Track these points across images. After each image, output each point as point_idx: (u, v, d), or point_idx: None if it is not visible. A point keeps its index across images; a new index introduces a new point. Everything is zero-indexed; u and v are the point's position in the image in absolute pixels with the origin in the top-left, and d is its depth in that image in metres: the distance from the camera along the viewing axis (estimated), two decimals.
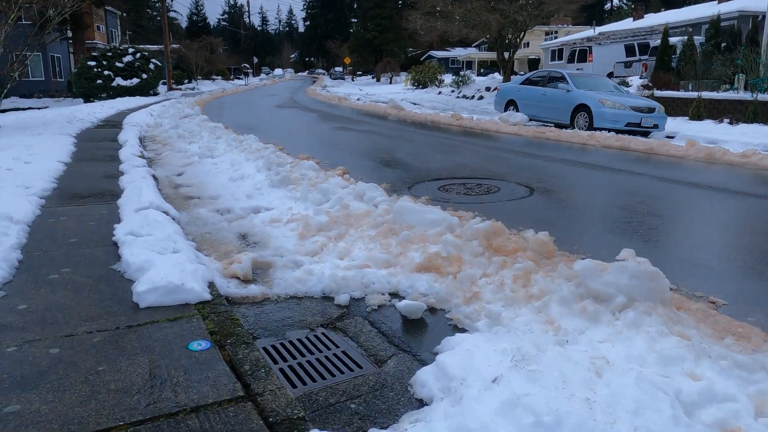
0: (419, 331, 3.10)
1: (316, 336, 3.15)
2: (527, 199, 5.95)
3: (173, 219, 4.94)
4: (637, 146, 10.05)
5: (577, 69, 24.10)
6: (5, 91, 12.25)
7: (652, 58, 22.26)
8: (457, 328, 3.08)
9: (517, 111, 14.74)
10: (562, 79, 13.56)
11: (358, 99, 28.28)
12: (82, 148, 9.57)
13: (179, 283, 3.15)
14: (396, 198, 5.44)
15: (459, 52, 72.86)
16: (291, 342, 3.09)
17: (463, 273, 3.47)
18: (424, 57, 72.60)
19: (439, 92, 32.07)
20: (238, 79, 73.93)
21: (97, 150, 9.43)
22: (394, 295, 3.56)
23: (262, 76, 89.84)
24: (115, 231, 4.33)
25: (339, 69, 78.53)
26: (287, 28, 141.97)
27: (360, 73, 75.67)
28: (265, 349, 3.02)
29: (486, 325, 2.91)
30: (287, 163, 7.08)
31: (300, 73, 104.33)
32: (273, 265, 4.01)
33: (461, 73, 36.91)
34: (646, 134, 12.58)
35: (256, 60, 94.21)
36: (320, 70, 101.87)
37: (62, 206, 5.31)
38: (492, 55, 58.80)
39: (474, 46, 78.39)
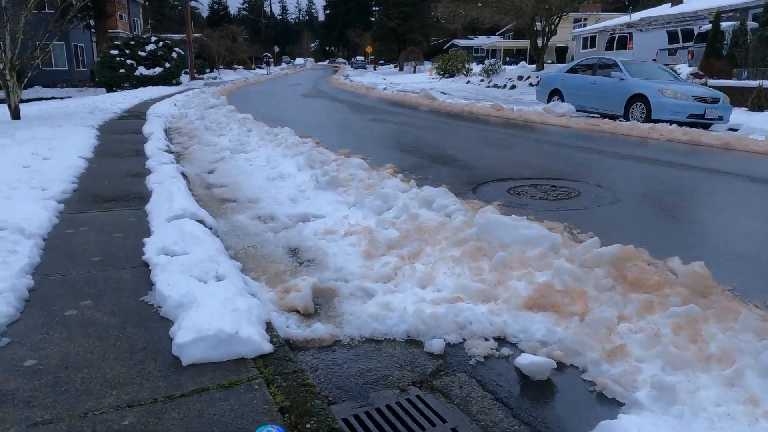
0: (552, 401, 2.31)
1: (410, 401, 2.39)
2: (618, 207, 5.10)
3: (211, 229, 4.21)
4: (710, 141, 9.08)
5: (606, 56, 22.82)
6: (26, 80, 11.67)
7: (697, 45, 20.99)
8: (605, 399, 2.29)
9: (562, 101, 13.77)
10: (615, 66, 12.56)
11: (385, 89, 27.38)
12: (104, 141, 8.91)
13: (232, 330, 2.40)
14: (468, 203, 4.64)
15: (483, 41, 71.33)
16: (379, 410, 2.33)
17: (593, 316, 2.67)
18: (447, 45, 71.27)
19: (468, 81, 31.02)
20: (259, 68, 73.42)
21: (121, 144, 8.77)
22: (501, 340, 2.78)
23: (283, 65, 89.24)
24: (145, 247, 3.61)
25: (360, 58, 77.45)
26: (307, 17, 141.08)
27: (382, 62, 74.52)
28: (346, 421, 2.27)
29: (652, 400, 2.10)
30: (332, 161, 6.30)
31: (320, 63, 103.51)
32: (337, 294, 3.25)
33: (490, 61, 35.75)
34: (706, 126, 11.56)
35: (277, 49, 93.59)
36: (341, 59, 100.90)
37: (83, 212, 4.61)
38: (518, 44, 57.34)
39: (498, 34, 76.80)
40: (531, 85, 25.67)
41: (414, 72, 53.31)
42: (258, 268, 3.71)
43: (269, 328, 2.66)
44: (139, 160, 7.19)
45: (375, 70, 66.17)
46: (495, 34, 75.75)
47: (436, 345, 2.72)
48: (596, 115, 13.40)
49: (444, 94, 24.48)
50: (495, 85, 27.60)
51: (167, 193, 4.96)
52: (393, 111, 15.80)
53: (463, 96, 24.41)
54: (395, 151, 8.38)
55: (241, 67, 62.93)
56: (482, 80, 29.75)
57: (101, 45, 32.13)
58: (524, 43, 56.44)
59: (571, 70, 14.19)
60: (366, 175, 5.64)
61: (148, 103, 17.36)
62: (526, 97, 23.09)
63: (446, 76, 37.15)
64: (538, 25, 26.16)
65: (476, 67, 35.02)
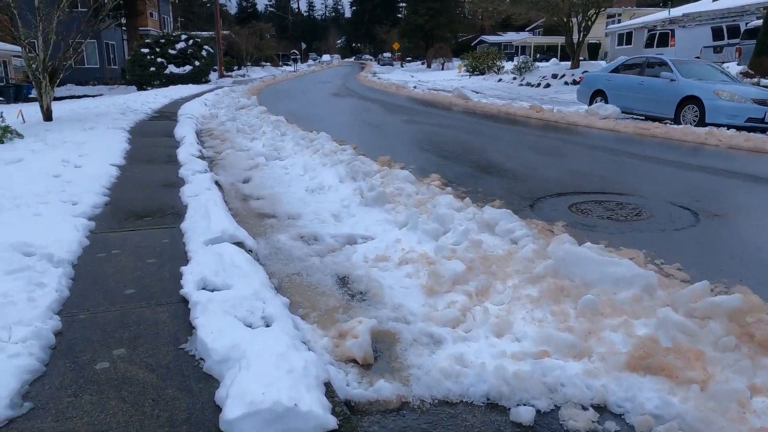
0: None
1: None
2: (700, 230, 4.59)
3: (251, 252, 3.85)
4: None
5: (657, 54, 21.99)
6: (58, 79, 11.53)
7: (744, 42, 20.02)
8: None
9: (606, 102, 13.13)
10: (665, 66, 11.89)
11: (414, 87, 26.90)
12: (136, 145, 8.67)
13: (290, 402, 2.01)
14: (530, 224, 4.19)
15: (512, 37, 70.22)
16: None
17: (719, 385, 2.21)
18: (474, 42, 70.40)
19: (499, 79, 30.32)
20: (287, 65, 73.52)
21: (153, 148, 8.51)
22: (602, 409, 2.34)
23: (310, 62, 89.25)
24: (182, 278, 3.26)
25: (387, 55, 76.97)
26: (333, 14, 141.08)
27: (409, 58, 73.91)
28: None
29: None
30: (375, 172, 5.90)
31: (346, 59, 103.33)
32: (398, 338, 2.85)
33: (522, 58, 34.92)
34: (764, 131, 10.84)
35: (304, 46, 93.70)
36: (367, 56, 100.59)
37: (115, 231, 4.29)
38: (548, 40, 56.17)
39: (528, 30, 75.65)
40: (566, 83, 24.93)
41: (442, 69, 52.64)
42: (306, 302, 3.32)
43: (328, 390, 2.27)
44: (172, 168, 6.90)
45: (402, 66, 65.61)
46: (524, 30, 74.54)
47: (524, 414, 2.29)
48: (641, 117, 12.74)
49: (476, 93, 23.92)
50: (528, 84, 26.88)
51: (203, 208, 4.61)
52: (426, 111, 15.34)
53: (496, 95, 23.81)
54: (436, 158, 7.94)
55: (268, 64, 63.07)
56: (514, 78, 29.04)
57: (132, 43, 32.31)
58: (555, 40, 55.31)
59: (616, 70, 13.53)
60: (414, 189, 5.22)
61: (178, 103, 17.22)
62: (562, 96, 22.39)
63: (476, 73, 36.48)
64: (573, 21, 25.34)
65: (508, 65, 34.28)
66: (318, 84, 32.06)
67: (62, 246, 3.64)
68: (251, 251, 3.99)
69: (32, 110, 12.40)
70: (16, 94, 27.73)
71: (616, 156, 8.15)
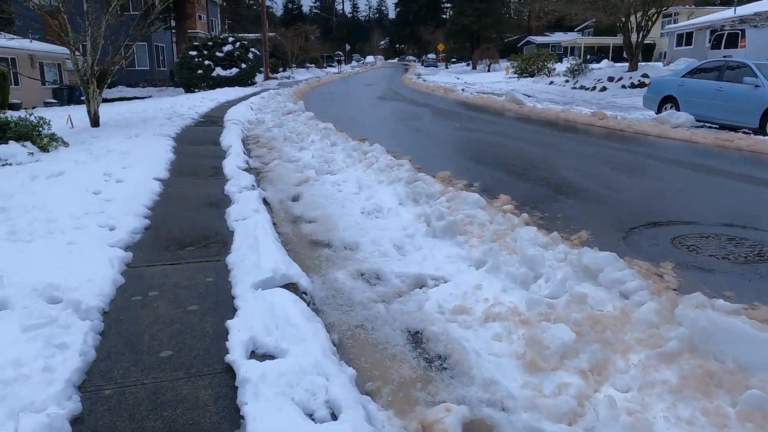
0: None
1: None
2: None
3: (305, 296, 3.30)
4: None
5: (724, 57, 20.60)
6: (106, 84, 11.35)
7: None
8: None
9: (677, 109, 12.11)
10: (747, 70, 10.81)
11: (463, 90, 26.11)
12: (181, 155, 8.30)
13: None
14: (634, 265, 3.48)
15: (560, 38, 68.39)
16: None
17: None
18: (521, 43, 68.90)
19: (551, 82, 29.18)
20: (331, 66, 73.63)
21: (198, 159, 8.12)
22: None
23: (353, 63, 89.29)
24: (229, 335, 2.72)
25: (431, 56, 76.14)
26: (377, 15, 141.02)
27: (454, 59, 72.85)
28: None
29: None
30: (439, 193, 5.27)
31: (390, 60, 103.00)
32: None
33: (573, 60, 33.59)
34: None
35: (348, 47, 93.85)
36: (410, 57, 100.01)
37: (154, 264, 3.81)
38: (599, 41, 54.30)
39: (577, 31, 73.72)
40: (624, 87, 23.67)
41: (488, 71, 51.52)
42: (375, 370, 2.73)
43: None
44: (217, 182, 6.45)
45: (447, 68, 64.66)
46: (573, 31, 72.56)
47: None
48: (715, 126, 11.69)
49: (528, 96, 22.95)
50: (582, 87, 25.70)
51: (252, 237, 4.09)
52: (479, 117, 14.60)
53: (549, 98, 22.78)
54: (501, 173, 7.25)
55: (312, 65, 63.22)
56: (567, 81, 27.86)
57: (180, 45, 32.65)
58: (606, 40, 53.41)
59: (690, 74, 12.47)
60: (486, 217, 4.56)
61: (224, 107, 17.01)
62: (620, 100, 21.22)
63: (524, 75, 35.36)
64: (631, 21, 24.04)
65: (559, 67, 33.04)
66: (363, 86, 31.63)
67: (93, 288, 3.16)
68: (306, 293, 3.44)
69: (82, 114, 12.30)
70: (69, 96, 28.36)
71: (705, 174, 7.27)
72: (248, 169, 7.31)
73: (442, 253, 4.07)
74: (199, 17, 44.35)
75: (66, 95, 28.04)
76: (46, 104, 25.12)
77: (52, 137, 8.62)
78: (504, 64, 54.56)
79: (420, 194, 5.20)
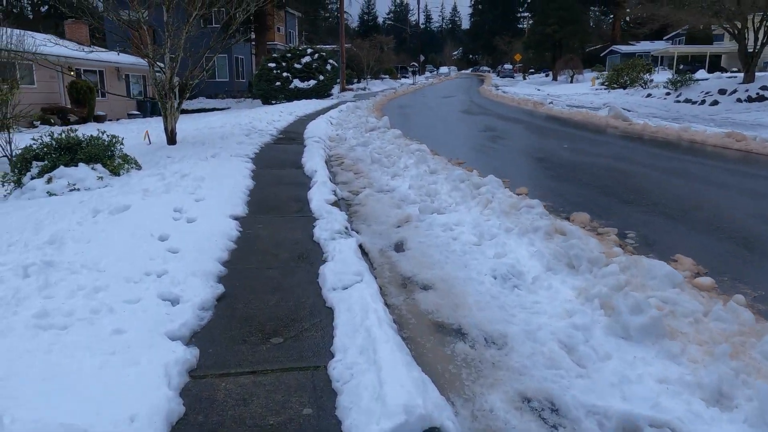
0: None
1: None
2: None
3: None
4: None
5: None
6: (184, 99, 10.68)
7: None
8: None
9: None
10: None
11: (551, 103, 24.28)
12: (261, 181, 7.30)
13: None
14: None
15: (646, 47, 64.47)
16: None
17: None
18: (604, 52, 65.56)
19: (648, 95, 26.71)
20: (405, 77, 72.95)
21: (280, 186, 7.08)
22: None
23: (427, 74, 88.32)
24: None
25: (508, 66, 73.80)
26: (450, 25, 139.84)
27: (532, 70, 70.25)
28: None
29: None
30: (605, 257, 3.86)
31: (463, 71, 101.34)
32: None
33: (658, 69, 30.85)
34: None
35: (422, 58, 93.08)
36: (485, 68, 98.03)
37: (227, 374, 2.65)
38: (694, 49, 50.34)
39: (666, 39, 69.45)
40: (739, 100, 21.08)
41: (571, 82, 48.91)
42: None
43: None
44: (303, 222, 5.34)
45: (524, 79, 62.33)
46: (662, 39, 68.37)
47: None
48: None
49: (627, 111, 20.84)
50: (687, 100, 23.21)
51: (362, 332, 2.87)
52: (584, 136, 12.93)
53: (651, 113, 20.59)
54: (654, 216, 5.72)
55: (387, 77, 62.70)
56: (668, 93, 25.37)
57: (259, 57, 32.66)
58: (701, 49, 49.52)
59: None
60: (697, 305, 3.12)
61: (303, 121, 16.21)
62: (737, 116, 18.77)
63: (616, 86, 32.90)
64: (748, 27, 21.41)
65: (656, 77, 30.39)
66: (442, 99, 30.34)
67: (139, 426, 2.02)
68: None
69: (161, 128, 11.73)
70: (152, 108, 28.86)
71: None
72: (337, 203, 6.17)
73: (649, 370, 2.67)
74: (278, 29, 44.73)
75: (149, 107, 28.54)
76: (130, 116, 25.53)
77: (125, 159, 7.88)
78: (588, 74, 51.71)
79: (578, 258, 3.81)
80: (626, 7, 26.23)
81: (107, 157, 7.74)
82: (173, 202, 5.62)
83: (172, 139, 10.31)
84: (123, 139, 8.32)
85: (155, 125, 16.90)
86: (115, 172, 7.46)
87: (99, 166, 7.41)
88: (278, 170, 8.32)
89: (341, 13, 37.09)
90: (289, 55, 28.24)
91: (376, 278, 4.05)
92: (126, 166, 7.71)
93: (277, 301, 3.49)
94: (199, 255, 4.11)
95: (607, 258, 3.83)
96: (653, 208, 5.99)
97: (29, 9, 57.70)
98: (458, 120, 17.56)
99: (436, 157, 8.94)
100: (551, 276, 3.82)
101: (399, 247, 4.93)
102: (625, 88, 31.51)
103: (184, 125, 15.32)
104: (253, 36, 36.02)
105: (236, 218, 5.37)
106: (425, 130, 14.39)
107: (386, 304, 3.52)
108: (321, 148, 10.55)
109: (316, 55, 27.92)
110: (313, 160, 8.66)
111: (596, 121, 15.83)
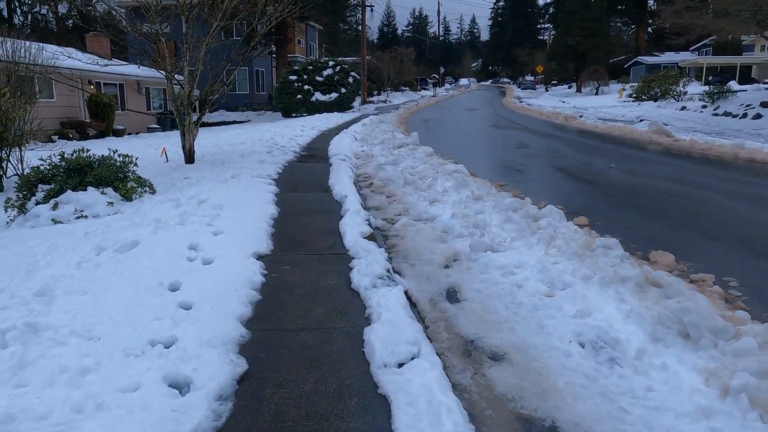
0: None
1: None
2: None
3: None
4: None
5: None
6: (206, 110, 10.02)
7: None
8: None
9: None
10: None
11: (581, 116, 23.35)
12: (285, 208, 6.57)
13: None
14: None
15: (670, 57, 63.14)
16: None
17: None
18: (628, 64, 64.41)
19: (683, 107, 25.62)
20: (425, 89, 72.40)
21: (307, 215, 6.35)
22: None
23: (447, 85, 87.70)
24: None
25: (530, 78, 72.87)
26: (468, 37, 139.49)
27: (554, 81, 69.14)
28: None
29: None
30: (732, 328, 3.02)
31: (483, 83, 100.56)
32: None
33: (685, 80, 29.70)
34: None
35: (443, 70, 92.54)
36: (505, 79, 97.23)
37: None
38: (723, 60, 48.92)
39: (692, 50, 68.12)
40: None
41: (596, 94, 47.84)
42: None
43: None
44: (337, 262, 4.58)
45: (547, 91, 61.34)
46: (687, 50, 66.99)
47: None
48: None
49: (664, 125, 19.84)
50: (727, 113, 22.11)
51: (425, 425, 2.08)
52: (627, 154, 12.05)
53: (689, 127, 19.56)
54: (757, 259, 4.85)
55: (407, 88, 62.21)
56: (704, 106, 24.27)
57: (280, 69, 32.26)
58: (732, 60, 48.12)
59: None
60: None
61: (326, 136, 15.55)
62: None
63: (643, 99, 31.86)
64: None
65: (690, 89, 29.26)
66: (466, 111, 29.56)
67: None
68: None
69: (179, 144, 11.14)
70: (173, 122, 28.52)
71: None
72: (373, 236, 5.42)
73: None
74: (298, 42, 44.49)
75: (169, 121, 28.19)
76: (150, 130, 25.17)
77: (138, 181, 7.23)
78: (614, 86, 50.53)
79: (696, 327, 2.98)
80: (661, 16, 25.21)
81: (119, 179, 7.09)
82: (188, 236, 4.91)
83: (190, 157, 9.68)
84: (137, 159, 7.68)
85: (174, 141, 16.39)
86: (126, 196, 6.80)
87: (110, 190, 6.76)
88: (304, 193, 7.60)
89: (363, 24, 36.63)
90: (311, 67, 27.74)
91: (432, 341, 3.27)
92: (139, 189, 7.05)
93: (314, 385, 2.72)
94: (217, 312, 3.37)
95: (734, 326, 2.99)
96: (747, 246, 5.12)
97: (54, 23, 58.32)
98: (488, 135, 16.74)
99: (477, 179, 8.15)
100: (661, 350, 2.99)
101: (452, 296, 4.14)
102: (655, 100, 30.40)
103: (204, 140, 14.76)
104: (273, 48, 35.71)
105: (260, 257, 4.64)
106: (455, 146, 13.62)
107: (456, 390, 2.73)
108: (348, 167, 9.83)
109: (338, 68, 27.37)
110: (341, 183, 7.92)
111: (636, 137, 14.90)
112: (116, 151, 7.58)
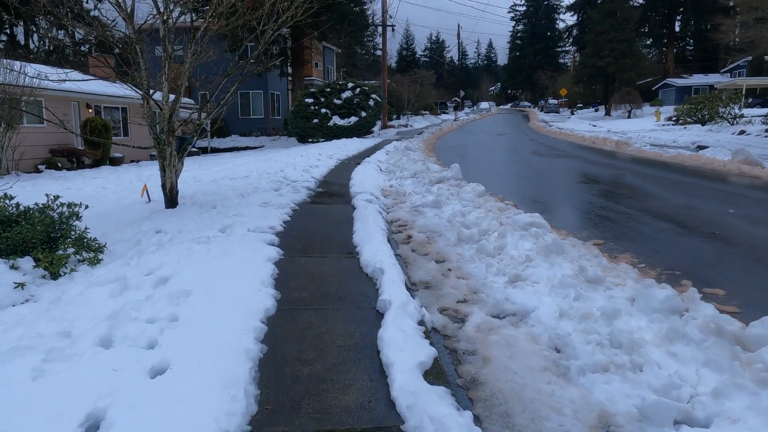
0: None
1: None
2: None
3: None
4: None
5: None
6: (195, 139, 7.86)
7: None
8: None
9: None
10: None
11: (634, 142, 20.86)
12: (288, 296, 4.22)
13: None
14: None
15: (699, 80, 60.57)
16: None
17: None
18: (657, 86, 61.92)
19: (741, 131, 23.00)
20: (445, 113, 70.49)
21: (322, 316, 3.98)
22: None
23: (466, 109, 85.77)
24: None
25: (553, 101, 70.52)
26: (485, 61, 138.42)
27: (580, 105, 66.69)
28: None
29: None
30: None
31: (502, 106, 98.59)
32: None
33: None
34: None
35: (462, 93, 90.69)
36: (525, 103, 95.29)
37: None
38: (764, 81, 46.14)
39: (723, 72, 65.63)
40: None
41: (629, 117, 45.27)
42: None
43: None
44: (379, 417, 2.20)
45: (572, 114, 58.86)
46: (718, 72, 64.41)
47: None
48: None
49: (706, 148, 17.23)
50: None
51: None
52: (727, 191, 9.59)
53: (760, 154, 16.99)
54: None
55: (427, 112, 60.28)
56: (767, 130, 21.68)
57: (296, 92, 30.33)
58: None
59: None
60: None
61: (346, 166, 13.30)
62: None
63: (689, 122, 29.35)
64: None
65: (747, 112, 26.61)
66: (496, 137, 27.23)
67: None
68: None
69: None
70: (178, 147, 26.53)
71: None
72: (439, 369, 3.04)
73: None
74: (316, 65, 42.79)
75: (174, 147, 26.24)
76: (153, 157, 23.16)
77: (80, 244, 4.96)
78: (648, 109, 47.89)
79: None
80: (726, 31, 22.84)
81: (49, 242, 4.83)
82: (98, 382, 2.57)
83: (171, 200, 7.43)
84: (86, 207, 5.43)
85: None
86: (52, 271, 4.51)
87: (27, 261, 4.49)
88: (318, 261, 5.24)
89: (384, 43, 34.72)
90: (329, 89, 25.70)
91: None
92: (74, 259, 4.77)
93: None
94: None
95: None
96: None
97: (70, 48, 57.67)
98: (536, 166, 14.33)
99: (561, 234, 5.75)
100: None
101: None
102: (703, 123, 27.82)
103: (201, 172, 12.58)
104: (289, 71, 33.88)
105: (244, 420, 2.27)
106: (501, 180, 11.27)
107: None
108: (375, 210, 7.50)
109: (358, 90, 25.28)
110: (372, 242, 5.56)
111: (718, 168, 12.39)
112: (57, 197, 5.35)
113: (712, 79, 59.04)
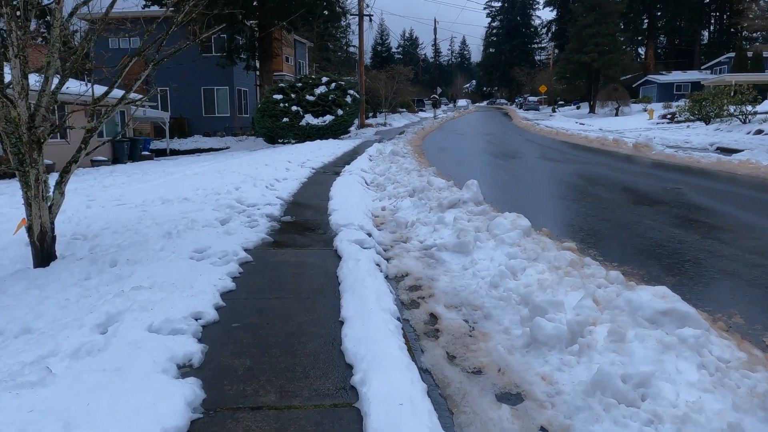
0: None
1: None
2: None
3: None
4: None
5: None
6: (84, 153, 5.06)
7: None
8: None
9: None
10: None
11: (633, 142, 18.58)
12: None
13: None
14: None
15: (678, 76, 59.30)
16: None
17: None
18: (638, 83, 60.46)
19: (758, 131, 20.90)
20: (422, 110, 68.06)
21: None
22: None
23: (443, 107, 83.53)
24: None
25: (533, 98, 68.57)
26: (459, 59, 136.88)
27: (561, 102, 64.84)
28: None
29: None
30: None
31: (478, 104, 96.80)
32: None
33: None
34: None
35: (439, 90, 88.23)
36: (501, 100, 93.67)
37: None
38: (754, 77, 44.74)
39: (703, 69, 64.69)
40: None
41: (616, 114, 43.36)
42: None
43: None
44: None
45: (554, 111, 56.90)
46: (699, 69, 63.35)
47: None
48: None
49: (731, 151, 14.93)
50: None
51: None
52: (731, 193, 7.15)
53: None
54: None
55: (404, 110, 57.68)
56: None
57: (264, 88, 27.31)
58: (762, 77, 43.97)
59: None
60: None
61: (321, 178, 10.55)
62: None
63: (691, 119, 27.38)
64: None
65: (761, 109, 24.62)
66: (481, 136, 24.73)
67: None
68: None
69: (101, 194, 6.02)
70: (132, 150, 23.37)
71: None
72: None
73: None
74: (286, 59, 39.72)
75: (127, 149, 23.03)
76: (95, 163, 19.92)
77: None
78: (635, 107, 46.12)
79: None
80: (746, 17, 20.80)
81: None
82: None
83: (41, 254, 4.56)
84: None
85: (122, 181, 11.30)
86: None
87: None
88: (279, 414, 2.48)
89: (360, 34, 31.88)
90: (300, 84, 22.80)
91: None
92: None
93: None
94: None
95: None
96: None
97: None
98: (557, 176, 11.74)
99: (629, 282, 3.13)
100: None
101: None
102: (707, 122, 25.79)
103: (138, 185, 9.68)
104: (257, 64, 30.81)
105: None
106: (522, 199, 8.69)
107: None
108: (371, 263, 4.80)
109: (333, 85, 22.44)
110: (380, 360, 2.83)
111: (729, 169, 10.06)
112: None
113: (691, 76, 57.68)
